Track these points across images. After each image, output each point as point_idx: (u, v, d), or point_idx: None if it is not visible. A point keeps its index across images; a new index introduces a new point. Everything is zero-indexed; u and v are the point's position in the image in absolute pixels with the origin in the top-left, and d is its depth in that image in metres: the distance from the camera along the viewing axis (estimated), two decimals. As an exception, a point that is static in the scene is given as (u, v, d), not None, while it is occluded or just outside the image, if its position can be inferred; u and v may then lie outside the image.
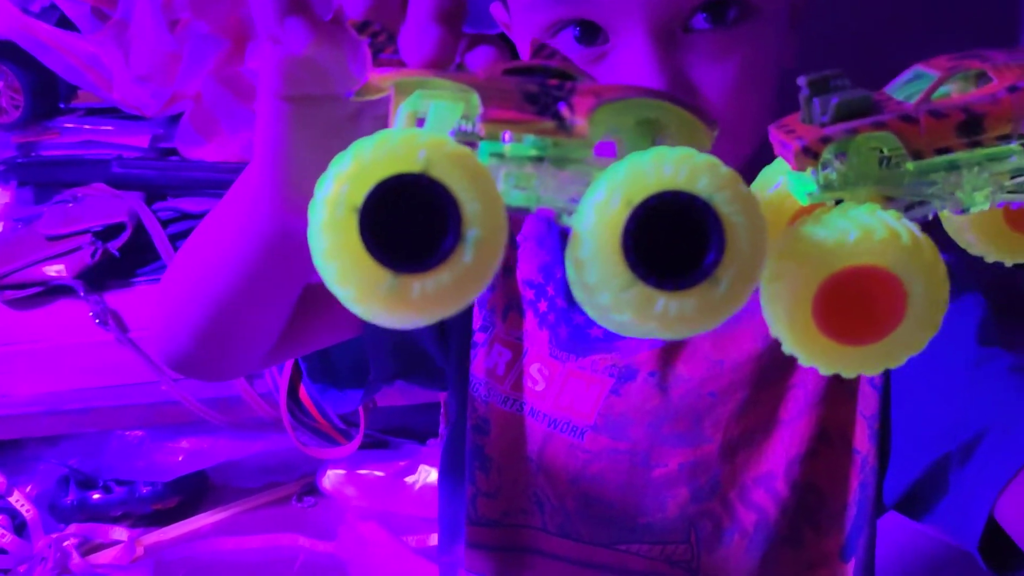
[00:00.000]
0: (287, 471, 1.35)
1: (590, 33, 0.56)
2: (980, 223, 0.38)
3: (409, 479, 1.30)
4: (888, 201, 0.35)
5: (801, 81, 0.34)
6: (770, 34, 0.57)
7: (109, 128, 1.20)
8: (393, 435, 1.34)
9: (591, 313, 0.31)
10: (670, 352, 0.64)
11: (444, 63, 0.33)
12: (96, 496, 1.27)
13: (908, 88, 0.34)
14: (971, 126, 0.33)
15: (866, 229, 0.32)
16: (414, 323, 0.30)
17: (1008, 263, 0.38)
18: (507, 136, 0.32)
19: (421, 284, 0.28)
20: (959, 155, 0.34)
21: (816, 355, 0.33)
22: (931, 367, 0.58)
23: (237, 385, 1.14)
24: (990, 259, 0.39)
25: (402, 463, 1.31)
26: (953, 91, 0.34)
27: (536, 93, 0.32)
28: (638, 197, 0.29)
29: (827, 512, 0.63)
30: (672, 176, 0.29)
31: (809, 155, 0.33)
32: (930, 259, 0.32)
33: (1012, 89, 0.32)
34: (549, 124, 0.32)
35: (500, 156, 0.32)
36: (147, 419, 1.17)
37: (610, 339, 0.64)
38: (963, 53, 0.34)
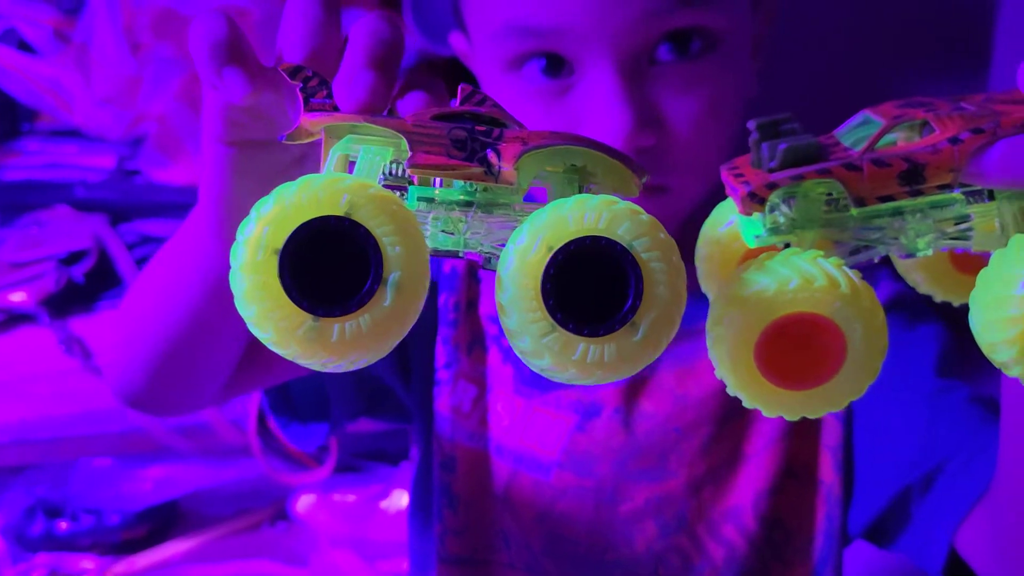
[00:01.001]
0: (259, 497, 1.35)
1: (556, 65, 0.57)
2: (927, 264, 0.39)
3: (383, 504, 1.30)
4: (835, 245, 0.36)
5: (751, 125, 0.35)
6: (734, 65, 0.59)
7: (73, 150, 1.20)
8: (366, 459, 1.34)
9: (520, 356, 0.32)
10: (634, 388, 0.64)
11: (377, 108, 0.34)
12: (64, 526, 1.26)
13: (856, 133, 0.35)
14: (913, 175, 0.33)
15: (806, 277, 0.32)
16: (336, 367, 0.30)
17: (955, 304, 0.39)
18: (438, 181, 0.33)
19: (340, 327, 0.29)
20: (902, 203, 0.35)
21: (758, 398, 0.34)
22: (893, 398, 0.59)
23: (206, 412, 1.14)
24: (938, 299, 0.40)
25: (375, 487, 1.31)
26: (899, 139, 0.35)
27: (464, 139, 0.33)
28: (558, 242, 0.30)
29: (793, 546, 0.64)
30: (592, 222, 0.30)
31: (755, 200, 0.34)
32: (868, 307, 0.32)
33: (953, 141, 0.33)
34: (477, 170, 0.33)
35: (430, 200, 0.33)
36: (115, 447, 1.16)
37: None
38: (909, 100, 0.35)
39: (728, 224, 0.38)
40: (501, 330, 0.68)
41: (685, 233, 0.42)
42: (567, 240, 0.30)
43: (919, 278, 0.39)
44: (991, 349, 0.33)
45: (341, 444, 1.26)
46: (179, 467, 1.30)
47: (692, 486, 0.63)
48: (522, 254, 0.30)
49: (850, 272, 0.33)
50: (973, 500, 0.54)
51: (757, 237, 0.35)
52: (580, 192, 0.32)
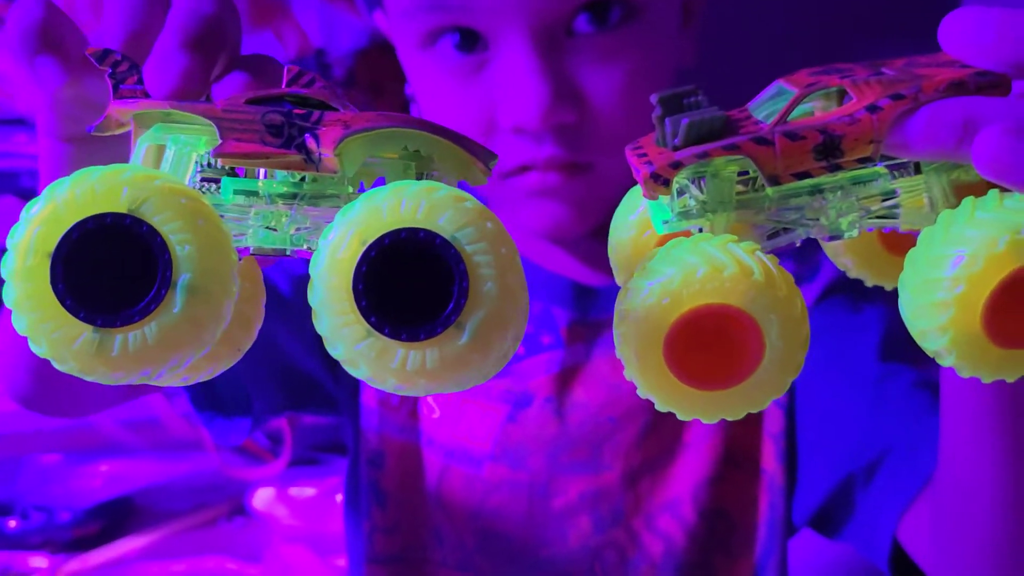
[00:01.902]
0: (215, 492, 1.31)
1: (469, 40, 0.53)
2: (855, 246, 0.35)
3: (340, 497, 1.26)
4: (752, 228, 0.32)
5: (653, 99, 0.31)
6: (659, 34, 0.55)
7: (21, 139, 1.15)
8: (324, 451, 1.30)
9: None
10: (567, 377, 0.61)
11: (192, 93, 0.30)
12: (13, 524, 1.22)
13: (770, 105, 0.31)
14: (829, 148, 0.30)
15: (715, 265, 0.29)
16: (122, 381, 0.27)
17: (888, 288, 0.35)
18: (262, 172, 0.29)
19: (123, 339, 0.25)
20: (821, 179, 0.31)
21: (672, 400, 0.30)
22: (836, 385, 0.56)
23: (156, 406, 1.10)
24: (869, 283, 0.36)
25: (334, 480, 1.27)
26: (817, 109, 0.32)
27: (280, 124, 0.29)
28: (371, 236, 0.26)
29: (737, 537, 0.61)
30: (409, 212, 0.26)
31: (659, 182, 0.30)
32: (785, 295, 0.29)
33: (872, 109, 0.29)
34: (294, 158, 0.29)
35: (251, 194, 0.29)
36: (62, 443, 1.12)
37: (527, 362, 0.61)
38: (825, 67, 0.31)
39: (639, 210, 0.34)
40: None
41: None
42: (381, 233, 0.26)
43: (848, 261, 0.36)
44: (922, 337, 0.30)
45: (298, 436, 1.22)
46: (130, 462, 1.26)
47: (628, 478, 0.60)
48: (332, 251, 0.26)
49: (765, 258, 0.29)
50: (915, 490, 0.51)
51: (666, 223, 0.31)
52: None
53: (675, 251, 0.29)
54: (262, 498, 1.27)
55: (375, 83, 1.14)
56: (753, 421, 0.59)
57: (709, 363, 0.30)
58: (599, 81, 0.52)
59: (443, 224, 0.27)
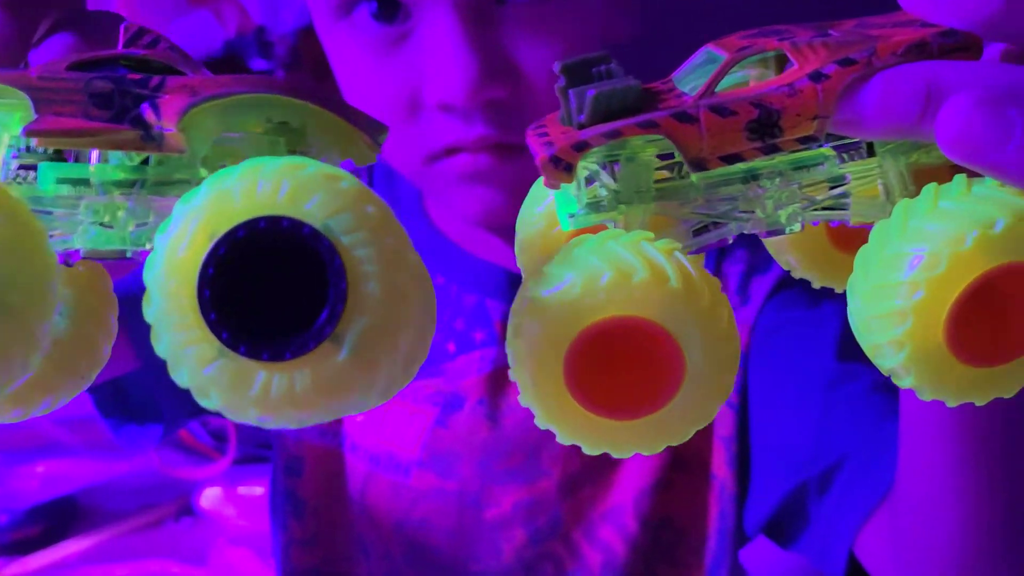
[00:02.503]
0: (162, 492, 1.25)
1: (389, 8, 0.47)
2: (800, 242, 0.30)
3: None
4: (676, 223, 0.26)
5: (555, 67, 0.25)
6: (595, 5, 0.49)
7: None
8: (270, 448, 1.24)
9: None
10: (501, 377, 0.55)
11: (5, 60, 0.24)
12: (-52, 527, 1.15)
13: (698, 75, 0.26)
14: (765, 125, 0.24)
15: (623, 269, 0.23)
16: None
17: (839, 290, 0.30)
18: (95, 154, 0.23)
19: None
20: (756, 163, 0.25)
21: (575, 431, 0.24)
22: (789, 386, 0.51)
23: (93, 404, 1.04)
24: (817, 285, 0.31)
25: (282, 477, 1.21)
26: (752, 79, 0.26)
27: (109, 93, 0.23)
28: (220, 228, 0.20)
29: (685, 546, 0.55)
30: (269, 196, 0.20)
31: (560, 167, 0.24)
32: (708, 305, 0.23)
33: (816, 77, 0.24)
34: (128, 134, 0.23)
35: (80, 182, 0.23)
36: (-6, 443, 1.06)
37: (435, 362, 0.55)
38: (762, 29, 0.26)
39: (548, 201, 0.28)
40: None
41: None
42: (233, 225, 0.20)
43: (792, 260, 0.30)
44: (875, 352, 0.24)
45: (243, 433, 1.16)
46: (70, 462, 1.20)
47: (566, 486, 0.54)
48: (171, 250, 0.20)
49: (685, 260, 0.24)
50: (874, 503, 0.46)
51: (572, 216, 0.25)
52: None
53: (576, 252, 0.24)
54: (209, 497, 1.21)
55: (320, 63, 1.08)
56: None
57: (619, 387, 0.24)
58: (533, 53, 0.47)
59: (312, 210, 0.21)
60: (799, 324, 0.52)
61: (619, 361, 0.24)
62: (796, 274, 0.31)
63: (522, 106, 0.47)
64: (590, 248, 0.24)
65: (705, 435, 0.54)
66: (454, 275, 0.57)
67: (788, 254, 0.30)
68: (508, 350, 0.24)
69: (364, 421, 0.57)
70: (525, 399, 0.24)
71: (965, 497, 0.39)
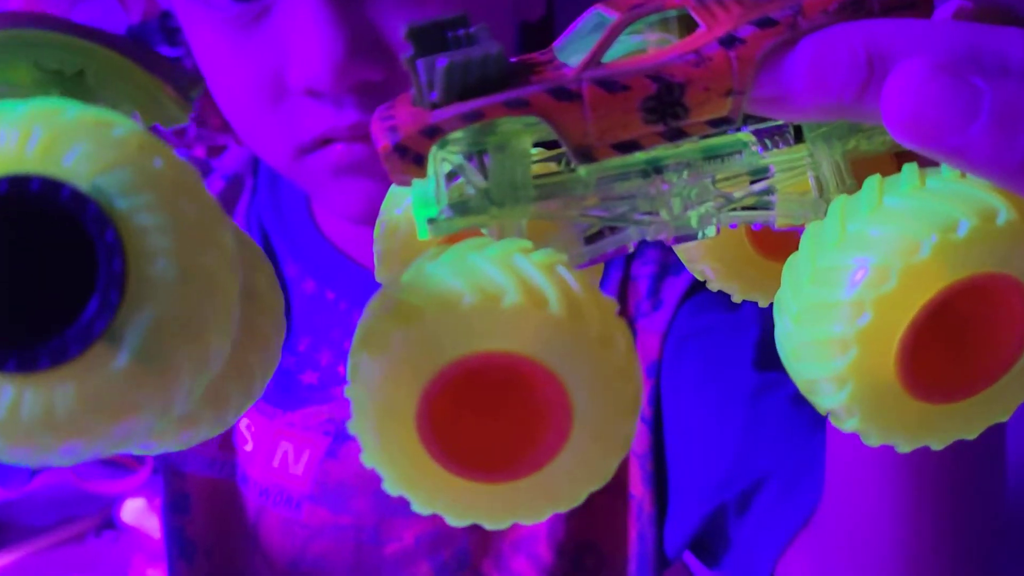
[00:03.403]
0: (83, 505, 1.16)
1: None
2: (717, 249, 0.24)
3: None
4: (564, 228, 0.21)
5: (402, 33, 0.19)
6: None
7: None
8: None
9: None
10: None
11: None
12: None
13: (586, 42, 0.20)
14: (666, 104, 0.18)
15: (489, 292, 0.17)
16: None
17: (763, 305, 0.24)
18: None
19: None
20: (658, 152, 0.20)
21: (435, 498, 0.19)
22: (705, 397, 0.45)
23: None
24: (737, 298, 0.25)
25: (206, 488, 1.14)
26: (651, 46, 0.20)
27: None
28: None
29: (608, 570, 0.50)
30: (14, 149, 0.14)
31: (407, 158, 0.18)
32: (599, 336, 0.17)
33: (728, 42, 0.18)
34: None
35: None
36: None
37: (325, 386, 0.49)
38: None
39: (409, 203, 0.22)
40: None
41: None
42: None
43: (708, 269, 0.25)
44: (810, 389, 0.19)
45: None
46: (-20, 477, 1.11)
47: None
48: None
49: (571, 277, 0.18)
50: (796, 525, 0.41)
51: (432, 222, 0.20)
52: None
53: (430, 269, 0.18)
54: (131, 510, 1.13)
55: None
56: None
57: (490, 441, 0.18)
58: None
59: (73, 166, 0.14)
60: (716, 329, 0.47)
61: (489, 408, 0.18)
62: (713, 285, 0.25)
63: (399, 88, 0.41)
64: (448, 264, 0.18)
65: None
66: (344, 290, 0.51)
67: (703, 262, 0.24)
68: (347, 395, 0.18)
69: (253, 450, 0.50)
70: (369, 458, 0.18)
71: (898, 523, 0.34)
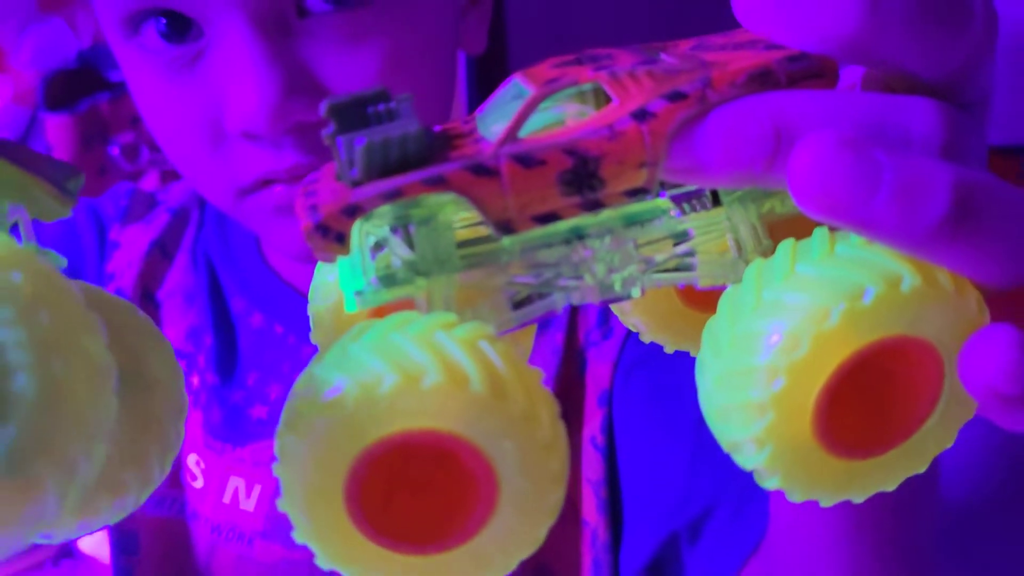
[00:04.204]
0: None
1: (179, 27, 0.39)
2: (646, 303, 0.24)
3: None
4: (494, 295, 0.21)
5: (322, 109, 0.19)
6: (424, 13, 0.42)
7: None
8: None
9: None
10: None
11: None
12: None
13: (505, 113, 0.20)
14: (582, 177, 0.18)
15: (410, 372, 0.17)
16: None
17: (694, 354, 0.24)
18: None
19: None
20: (579, 221, 0.20)
21: (367, 572, 0.18)
22: (655, 426, 0.45)
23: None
24: (669, 349, 0.25)
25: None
26: (570, 117, 0.20)
27: None
28: None
29: None
30: None
31: (329, 237, 0.18)
32: (523, 410, 0.17)
33: (640, 115, 0.18)
34: None
35: None
36: None
37: (275, 421, 0.48)
38: (578, 55, 0.20)
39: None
40: (190, 367, 0.51)
41: None
42: None
43: (639, 322, 0.25)
44: (734, 449, 0.19)
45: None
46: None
47: None
48: None
49: (492, 351, 0.18)
50: (747, 552, 0.41)
51: (359, 294, 0.19)
52: None
53: (352, 348, 0.18)
54: (89, 539, 1.11)
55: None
56: (572, 464, 0.48)
57: (419, 515, 0.18)
58: (343, 69, 0.39)
59: None
60: (664, 356, 0.47)
61: (417, 483, 0.18)
62: (645, 338, 0.25)
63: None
64: (369, 344, 0.18)
65: (575, 478, 0.49)
66: (292, 324, 0.50)
67: (633, 316, 0.25)
68: (276, 474, 0.18)
69: (204, 487, 0.49)
70: (300, 536, 0.18)
71: (840, 548, 0.34)
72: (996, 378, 0.17)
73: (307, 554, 0.47)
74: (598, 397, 0.47)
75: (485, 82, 0.93)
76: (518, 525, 0.18)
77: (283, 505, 0.18)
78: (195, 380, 0.50)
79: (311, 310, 0.23)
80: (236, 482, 0.48)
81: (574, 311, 0.49)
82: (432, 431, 0.17)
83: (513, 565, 0.19)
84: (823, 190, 0.17)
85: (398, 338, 0.17)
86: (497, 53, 0.96)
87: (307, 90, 0.38)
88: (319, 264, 0.23)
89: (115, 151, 0.90)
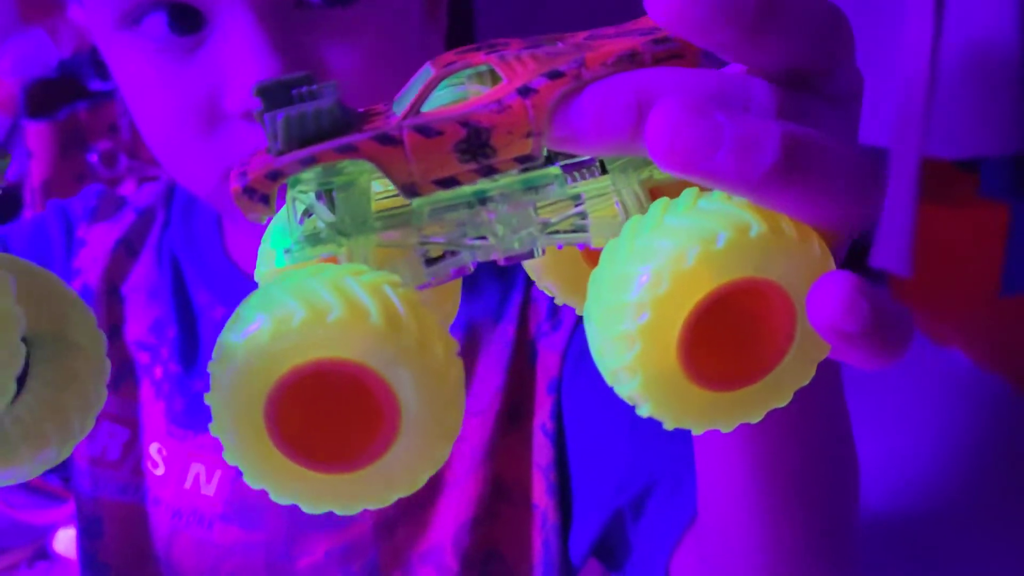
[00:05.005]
0: (16, 535, 1.14)
1: (183, 18, 0.42)
2: (556, 267, 0.27)
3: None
4: (409, 254, 0.23)
5: (252, 89, 0.21)
6: (401, 21, 0.46)
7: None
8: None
9: None
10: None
11: None
12: None
13: (415, 90, 0.22)
14: (475, 146, 0.21)
15: (318, 308, 0.19)
16: None
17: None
18: None
19: None
20: (481, 186, 0.22)
21: (290, 489, 0.21)
22: (599, 409, 0.48)
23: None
24: (580, 311, 0.28)
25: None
26: (470, 95, 0.23)
27: None
28: None
29: None
30: None
31: (255, 198, 0.20)
32: (417, 341, 0.20)
33: (524, 91, 0.20)
34: None
35: None
36: None
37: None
38: (483, 43, 0.22)
39: None
40: (153, 358, 0.53)
41: None
42: None
43: (551, 285, 0.27)
44: (613, 379, 0.21)
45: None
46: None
47: (382, 527, 0.49)
48: None
49: (394, 294, 0.20)
50: (683, 526, 0.43)
51: (288, 252, 0.22)
52: None
53: (271, 290, 0.20)
54: (64, 540, 1.11)
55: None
56: (522, 452, 0.50)
57: (332, 437, 0.20)
58: (339, 56, 0.43)
59: None
60: None
61: (328, 408, 0.20)
62: (558, 300, 0.27)
63: None
64: (286, 286, 0.20)
65: (525, 463, 0.51)
66: None
67: (546, 279, 0.27)
68: (207, 402, 0.20)
69: (165, 473, 0.51)
70: (229, 457, 0.20)
71: (759, 520, 0.36)
72: (837, 317, 0.19)
73: (264, 536, 0.49)
74: (547, 385, 0.50)
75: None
76: (420, 446, 0.20)
77: (213, 429, 0.20)
78: (158, 371, 0.52)
79: (257, 275, 0.25)
80: (197, 468, 0.50)
81: (525, 305, 0.51)
82: (338, 360, 0.19)
83: (421, 482, 0.21)
84: (674, 147, 0.19)
85: (311, 282, 0.20)
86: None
87: (306, 71, 0.41)
88: (264, 235, 0.25)
89: (93, 158, 0.91)
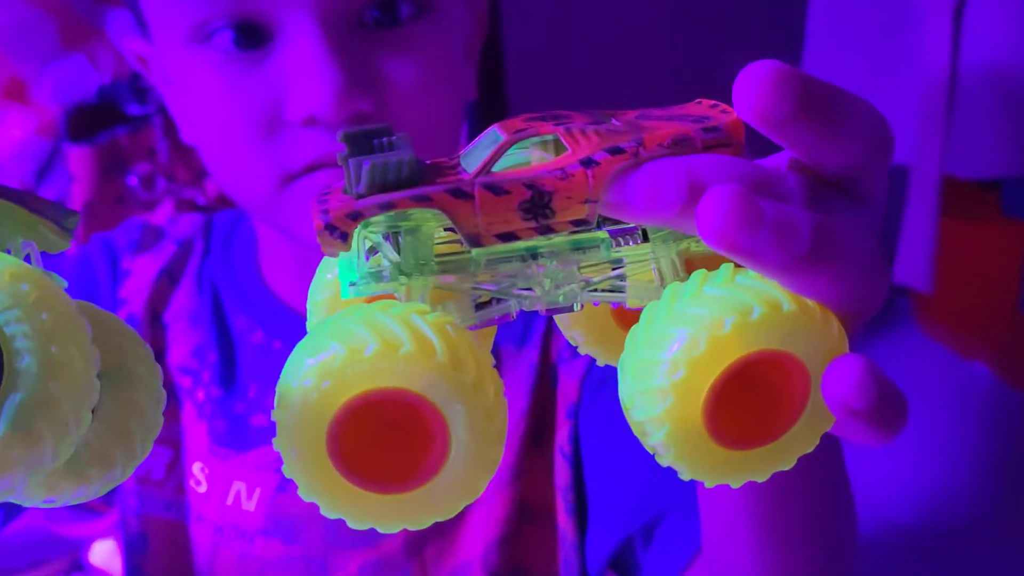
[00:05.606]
0: (53, 547, 1.15)
1: (249, 34, 0.45)
2: (585, 320, 0.29)
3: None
4: (461, 297, 0.25)
5: (338, 136, 0.24)
6: (450, 37, 0.48)
7: None
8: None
9: None
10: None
11: None
12: None
13: (482, 152, 0.24)
14: (537, 206, 0.23)
15: (389, 341, 0.21)
16: None
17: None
18: None
19: None
20: (534, 242, 0.24)
21: (339, 505, 0.22)
22: (617, 435, 0.49)
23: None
24: (601, 362, 0.29)
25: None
26: (534, 160, 0.25)
27: None
28: None
29: None
30: None
31: (335, 235, 0.22)
32: (473, 380, 0.21)
33: (586, 163, 0.22)
34: None
35: None
36: None
37: (274, 430, 0.52)
38: (544, 113, 0.24)
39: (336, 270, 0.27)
40: (195, 382, 0.55)
41: None
42: None
43: (577, 335, 0.29)
44: (640, 430, 0.23)
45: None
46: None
47: (412, 546, 0.51)
48: None
49: (456, 333, 0.22)
50: (689, 556, 0.44)
51: (352, 284, 0.24)
52: None
53: (344, 321, 0.22)
54: (100, 552, 1.13)
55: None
56: (545, 473, 0.51)
57: (384, 460, 0.22)
58: (395, 71, 0.45)
59: None
60: None
61: (384, 434, 0.22)
62: (581, 350, 0.29)
63: (386, 120, 0.46)
64: (359, 318, 0.22)
65: (548, 484, 0.52)
66: (290, 340, 0.54)
67: (573, 329, 0.29)
68: (273, 418, 0.22)
69: (208, 491, 0.53)
70: (288, 471, 0.22)
71: (762, 556, 0.37)
72: (849, 394, 0.21)
73: (302, 550, 0.50)
74: (567, 410, 0.51)
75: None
76: (463, 476, 0.22)
77: (277, 444, 0.22)
78: (200, 394, 0.54)
79: (310, 301, 0.27)
80: (239, 486, 0.52)
81: (548, 333, 0.53)
82: (403, 390, 0.21)
83: (457, 510, 0.22)
84: (723, 227, 0.21)
85: (382, 316, 0.22)
86: (497, 108, 1.03)
87: (365, 85, 0.44)
88: (320, 265, 0.27)
89: (133, 181, 0.92)
